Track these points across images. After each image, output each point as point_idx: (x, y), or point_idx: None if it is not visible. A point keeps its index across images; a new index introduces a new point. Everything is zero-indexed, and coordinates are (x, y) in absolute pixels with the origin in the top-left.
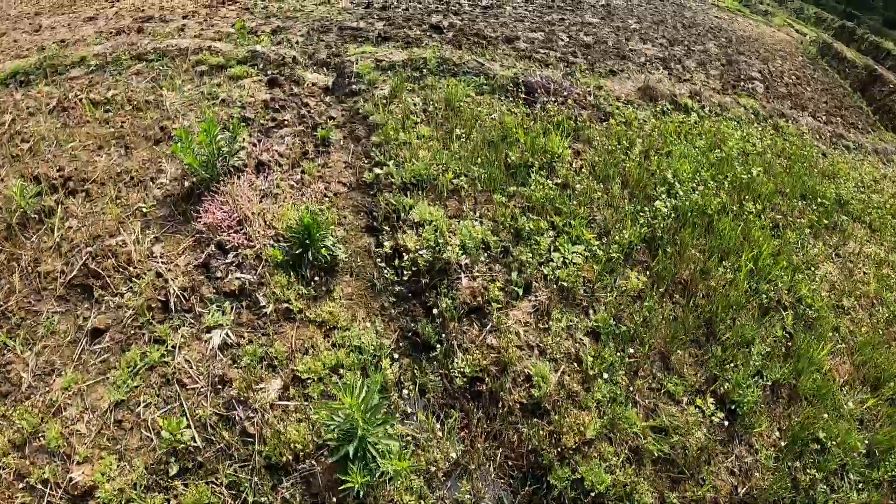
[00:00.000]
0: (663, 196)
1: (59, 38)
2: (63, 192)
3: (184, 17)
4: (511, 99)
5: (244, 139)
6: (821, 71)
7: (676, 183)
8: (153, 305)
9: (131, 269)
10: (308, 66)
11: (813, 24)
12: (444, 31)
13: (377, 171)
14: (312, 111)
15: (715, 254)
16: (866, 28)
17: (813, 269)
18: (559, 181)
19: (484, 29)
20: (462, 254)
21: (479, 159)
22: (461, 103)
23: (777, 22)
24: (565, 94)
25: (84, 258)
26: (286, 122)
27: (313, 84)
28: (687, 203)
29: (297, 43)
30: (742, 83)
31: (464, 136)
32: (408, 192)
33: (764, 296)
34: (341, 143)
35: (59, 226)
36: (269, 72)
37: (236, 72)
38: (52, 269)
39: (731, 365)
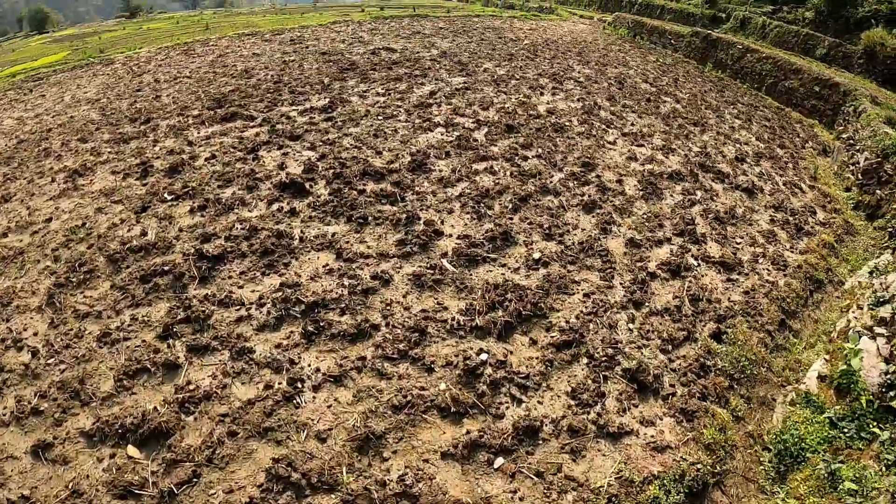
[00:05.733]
0: None
1: None
2: None
3: None
4: None
5: None
6: (658, 54)
7: None
8: None
9: None
10: None
11: (573, 3)
12: (311, 187)
13: None
14: None
15: None
16: None
17: None
18: None
19: (363, 153)
20: None
21: None
22: None
23: (564, 15)
24: None
25: None
26: None
27: None
28: None
29: None
30: (659, 105)
31: None
32: None
33: None
34: None
35: None
36: None
37: None
38: None
39: None
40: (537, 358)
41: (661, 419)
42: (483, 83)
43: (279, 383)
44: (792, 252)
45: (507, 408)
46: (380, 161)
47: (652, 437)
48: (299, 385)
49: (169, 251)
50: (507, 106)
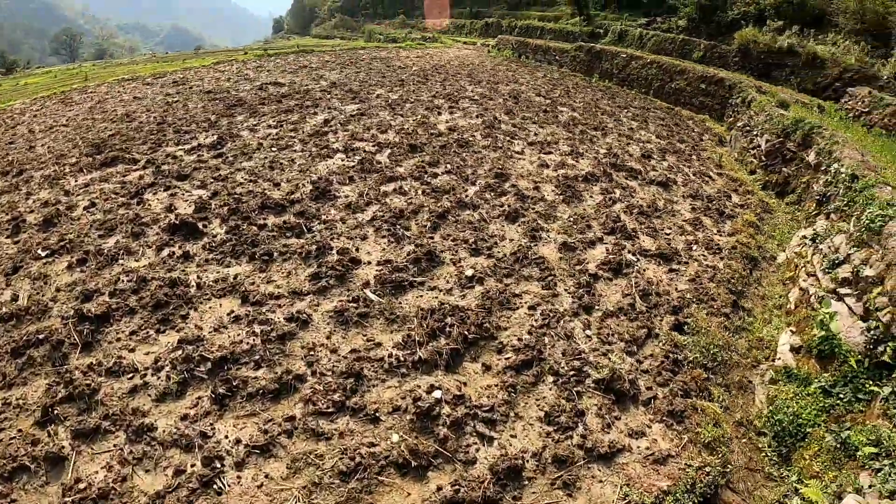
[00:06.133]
0: None
1: None
2: None
3: None
4: None
5: None
6: (545, 70)
7: None
8: None
9: None
10: None
11: (455, 32)
12: (204, 227)
13: None
14: None
15: None
16: (506, 16)
17: None
18: None
19: (259, 187)
20: None
21: None
22: None
23: (448, 43)
24: None
25: None
26: None
27: None
28: None
29: None
30: (558, 115)
31: None
32: None
33: None
34: None
35: None
36: None
37: None
38: None
39: None
40: (497, 385)
41: (650, 427)
42: (378, 108)
43: (192, 465)
44: (720, 235)
45: (478, 449)
46: (279, 193)
47: (647, 449)
48: (218, 464)
49: (45, 316)
50: (406, 127)
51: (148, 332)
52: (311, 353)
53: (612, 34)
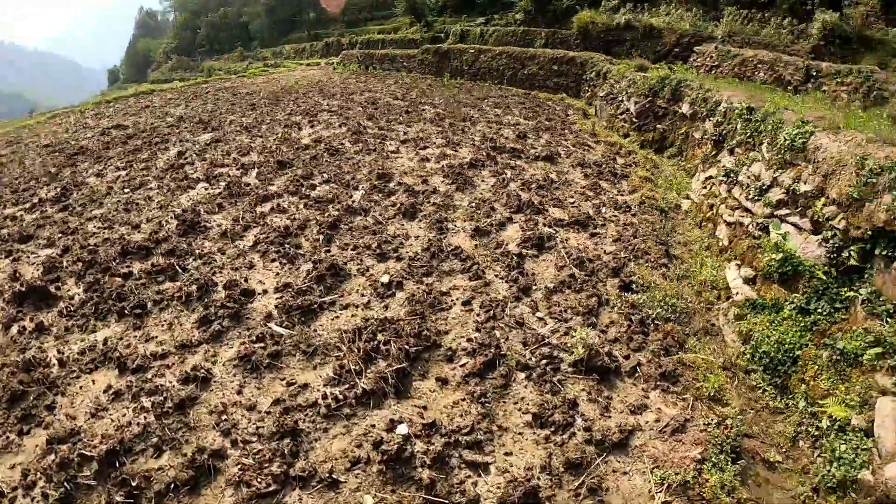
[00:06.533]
0: None
1: None
2: None
3: None
4: None
5: None
6: (395, 77)
7: None
8: None
9: None
10: None
11: (296, 56)
12: (57, 289)
13: None
14: None
15: None
16: (345, 34)
17: None
18: None
19: (116, 233)
20: None
21: None
22: None
23: (292, 66)
24: None
25: None
26: None
27: None
28: None
29: None
30: (421, 113)
31: None
32: None
33: None
34: None
35: None
36: None
37: None
38: None
39: None
40: (464, 399)
41: (648, 397)
42: (234, 133)
43: None
44: (623, 195)
45: (475, 483)
46: (140, 235)
47: (658, 421)
48: None
49: None
50: (269, 146)
51: (8, 438)
52: (224, 417)
53: (454, 36)
